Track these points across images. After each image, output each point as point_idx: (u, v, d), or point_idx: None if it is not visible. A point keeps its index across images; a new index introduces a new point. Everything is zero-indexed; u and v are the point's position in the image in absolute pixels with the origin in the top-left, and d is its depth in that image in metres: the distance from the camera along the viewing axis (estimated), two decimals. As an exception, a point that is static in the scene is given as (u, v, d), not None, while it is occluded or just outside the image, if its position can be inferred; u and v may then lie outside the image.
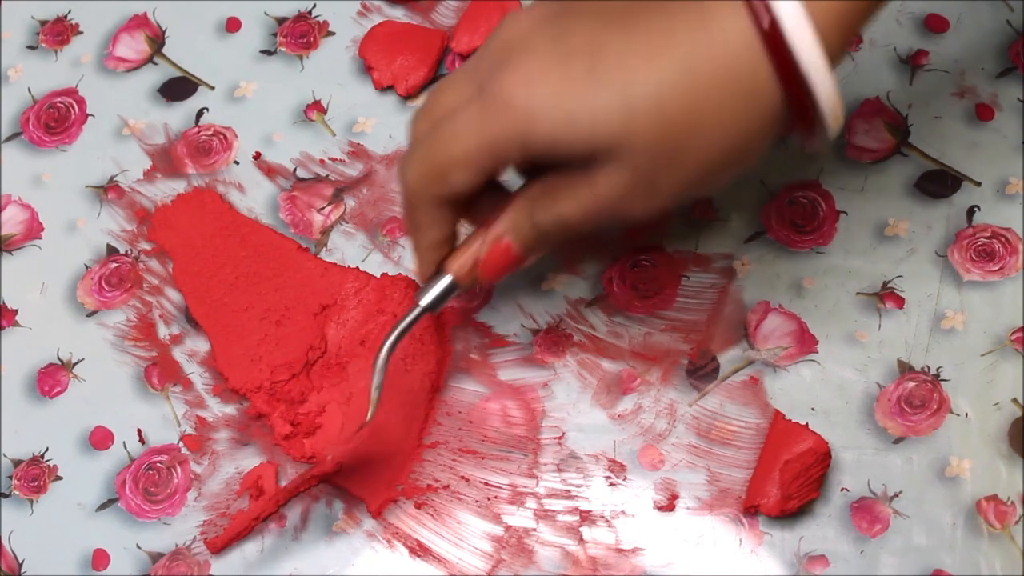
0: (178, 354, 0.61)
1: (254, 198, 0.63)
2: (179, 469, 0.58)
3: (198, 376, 0.60)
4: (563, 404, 0.57)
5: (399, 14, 0.66)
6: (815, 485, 0.53)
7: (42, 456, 0.60)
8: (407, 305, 0.59)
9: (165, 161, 0.65)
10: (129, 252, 0.63)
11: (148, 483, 0.58)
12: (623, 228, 0.58)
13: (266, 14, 0.68)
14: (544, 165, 0.49)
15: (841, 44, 0.46)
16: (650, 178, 0.46)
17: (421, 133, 0.51)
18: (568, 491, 0.56)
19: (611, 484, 0.56)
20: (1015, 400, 0.55)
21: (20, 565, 0.58)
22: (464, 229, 0.53)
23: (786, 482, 0.53)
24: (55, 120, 0.67)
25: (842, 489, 0.54)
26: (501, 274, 0.52)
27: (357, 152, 0.64)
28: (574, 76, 0.46)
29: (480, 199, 0.51)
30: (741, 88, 0.45)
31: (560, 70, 0.46)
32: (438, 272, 0.53)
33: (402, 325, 0.54)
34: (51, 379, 0.61)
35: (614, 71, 0.45)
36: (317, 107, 0.65)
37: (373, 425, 0.55)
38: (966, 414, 0.55)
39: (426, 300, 0.53)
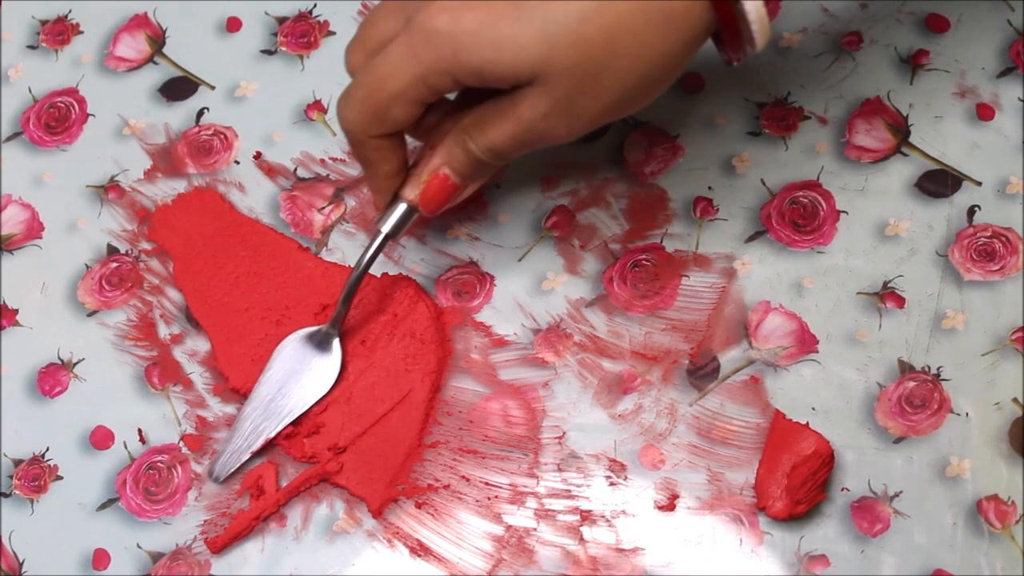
0: (178, 354, 0.61)
1: (254, 198, 0.63)
2: (180, 469, 0.58)
3: (198, 376, 0.60)
4: (563, 404, 0.57)
5: (399, 14, 0.66)
6: (822, 487, 0.54)
7: (42, 456, 0.60)
8: (408, 305, 0.59)
9: (165, 161, 0.65)
10: (129, 252, 0.63)
11: (149, 483, 0.58)
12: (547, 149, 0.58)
13: (267, 14, 0.68)
14: (477, 90, 0.51)
15: None
16: (570, 102, 0.49)
17: (355, 67, 0.53)
18: (569, 491, 0.56)
19: (612, 484, 0.56)
20: (1015, 400, 0.55)
21: (21, 565, 0.58)
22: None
23: (794, 487, 0.53)
24: (56, 120, 0.67)
25: (843, 489, 0.54)
26: (442, 203, 0.55)
27: (357, 152, 0.64)
28: (498, 7, 0.48)
29: (426, 116, 0.53)
30: (657, 14, 0.48)
31: (485, 2, 0.48)
32: (394, 199, 0.55)
33: (368, 254, 0.55)
34: (51, 379, 0.61)
35: (536, 1, 0.48)
36: (318, 107, 0.65)
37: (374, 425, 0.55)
38: (967, 414, 0.55)
39: (387, 227, 0.55)
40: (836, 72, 0.62)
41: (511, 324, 0.59)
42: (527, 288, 0.60)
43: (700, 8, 0.48)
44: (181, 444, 0.59)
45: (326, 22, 0.67)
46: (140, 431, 0.59)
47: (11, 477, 0.59)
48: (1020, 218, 0.58)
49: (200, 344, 0.61)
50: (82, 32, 0.69)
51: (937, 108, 0.60)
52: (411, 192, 0.55)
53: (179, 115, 0.66)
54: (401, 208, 0.55)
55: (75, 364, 0.61)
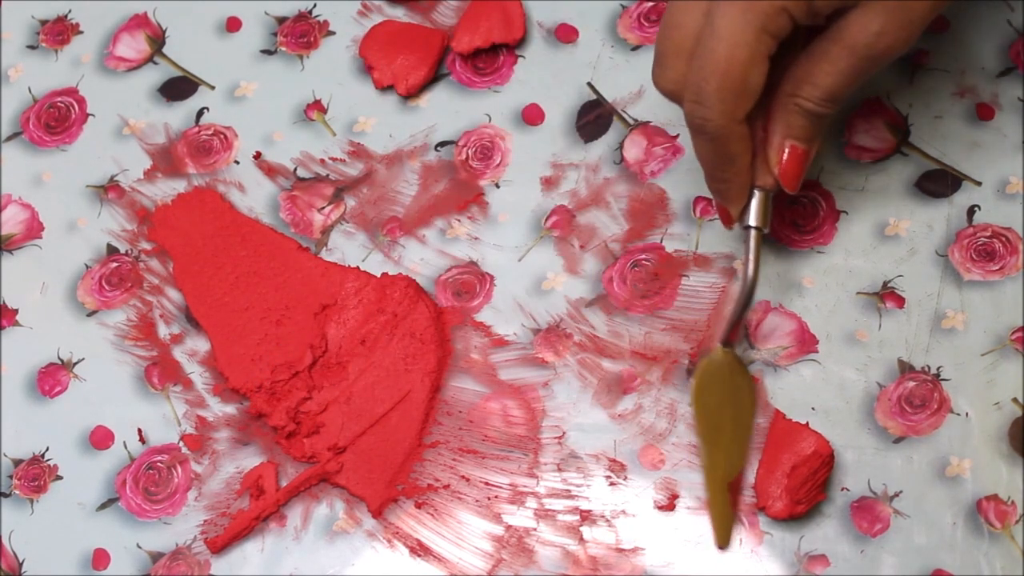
0: (178, 354, 0.61)
1: (254, 198, 0.63)
2: (179, 469, 0.58)
3: (198, 376, 0.60)
4: (563, 404, 0.57)
5: (399, 14, 0.66)
6: (822, 487, 0.54)
7: (42, 456, 0.60)
8: (408, 305, 0.59)
9: (165, 161, 0.65)
10: (129, 252, 0.63)
11: (148, 483, 0.58)
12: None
13: (266, 14, 0.68)
14: (787, 45, 0.50)
15: None
16: (902, 7, 0.48)
17: (677, 77, 0.51)
18: (568, 491, 0.56)
19: (611, 484, 0.56)
20: (1015, 400, 0.55)
21: (20, 565, 0.58)
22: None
23: (794, 487, 0.53)
24: (55, 120, 0.67)
25: (842, 489, 0.54)
26: (801, 175, 0.54)
27: (357, 151, 0.64)
28: None
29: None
30: None
31: None
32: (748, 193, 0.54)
33: (752, 258, 0.54)
34: (51, 379, 0.61)
35: None
36: (317, 107, 0.65)
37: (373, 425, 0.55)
38: (966, 414, 0.55)
39: (759, 220, 0.54)
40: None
41: (511, 324, 0.59)
42: (527, 288, 0.60)
43: None
44: (181, 444, 0.59)
45: (326, 22, 0.67)
46: (140, 431, 0.59)
47: (11, 477, 0.59)
48: (1020, 218, 0.58)
49: (200, 344, 0.61)
50: (82, 32, 0.69)
51: (937, 108, 0.60)
52: (765, 178, 0.53)
53: (179, 115, 0.66)
54: (758, 197, 0.54)
55: (75, 364, 0.61)
